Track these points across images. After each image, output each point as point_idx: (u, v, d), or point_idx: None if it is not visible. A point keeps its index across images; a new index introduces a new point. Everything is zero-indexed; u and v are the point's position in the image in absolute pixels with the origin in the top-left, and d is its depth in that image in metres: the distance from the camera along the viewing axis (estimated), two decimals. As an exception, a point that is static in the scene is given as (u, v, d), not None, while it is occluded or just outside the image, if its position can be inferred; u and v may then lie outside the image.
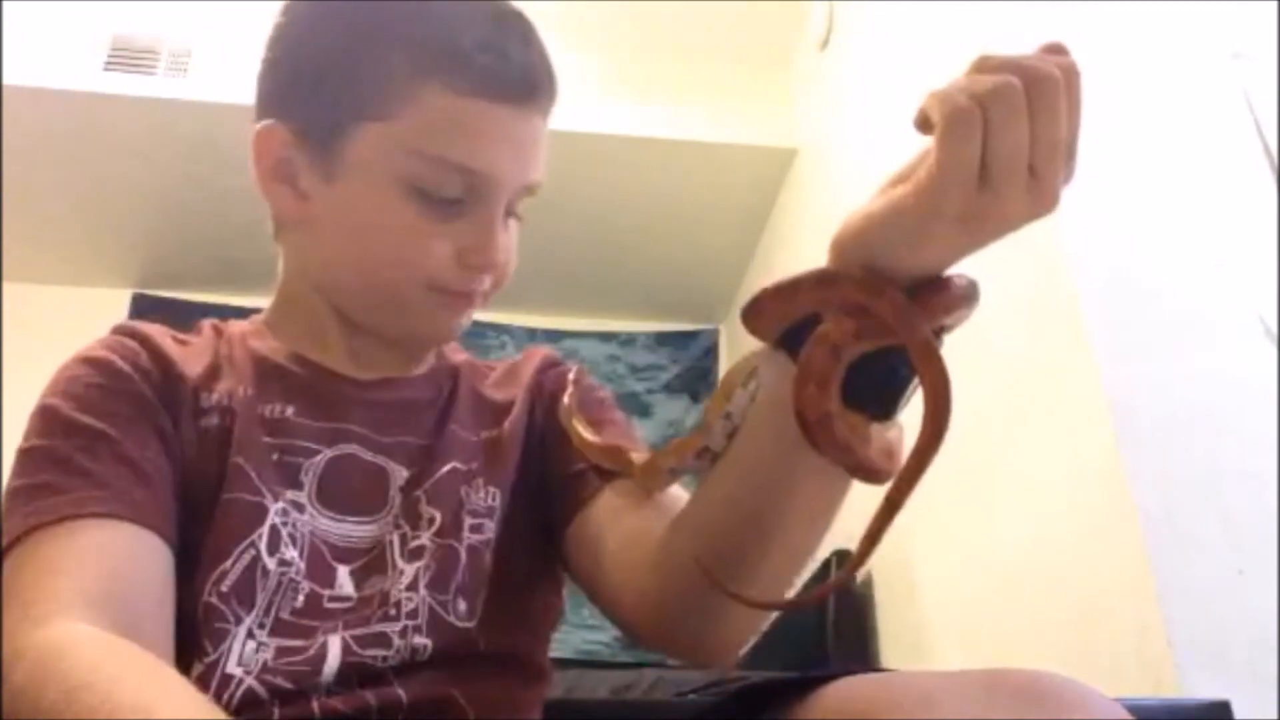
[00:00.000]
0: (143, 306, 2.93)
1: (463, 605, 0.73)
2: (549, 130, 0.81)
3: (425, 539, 0.75)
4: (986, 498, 1.69)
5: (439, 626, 0.72)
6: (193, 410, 0.74)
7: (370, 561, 0.73)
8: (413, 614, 0.71)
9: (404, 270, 0.77)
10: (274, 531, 0.70)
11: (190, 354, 0.78)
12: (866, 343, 0.56)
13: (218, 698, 0.64)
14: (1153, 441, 1.37)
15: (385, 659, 0.69)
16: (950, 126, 0.49)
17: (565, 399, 0.82)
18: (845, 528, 0.66)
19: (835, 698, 0.60)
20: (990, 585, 1.68)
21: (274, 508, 0.71)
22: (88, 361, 0.74)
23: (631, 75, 2.75)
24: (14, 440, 0.71)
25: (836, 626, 2.03)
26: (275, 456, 0.74)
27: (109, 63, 2.57)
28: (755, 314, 0.60)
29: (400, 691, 0.68)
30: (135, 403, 0.72)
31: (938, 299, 0.55)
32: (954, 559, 1.81)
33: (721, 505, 0.68)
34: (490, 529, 0.77)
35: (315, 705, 0.66)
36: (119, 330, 0.78)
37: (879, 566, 2.10)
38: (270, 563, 0.69)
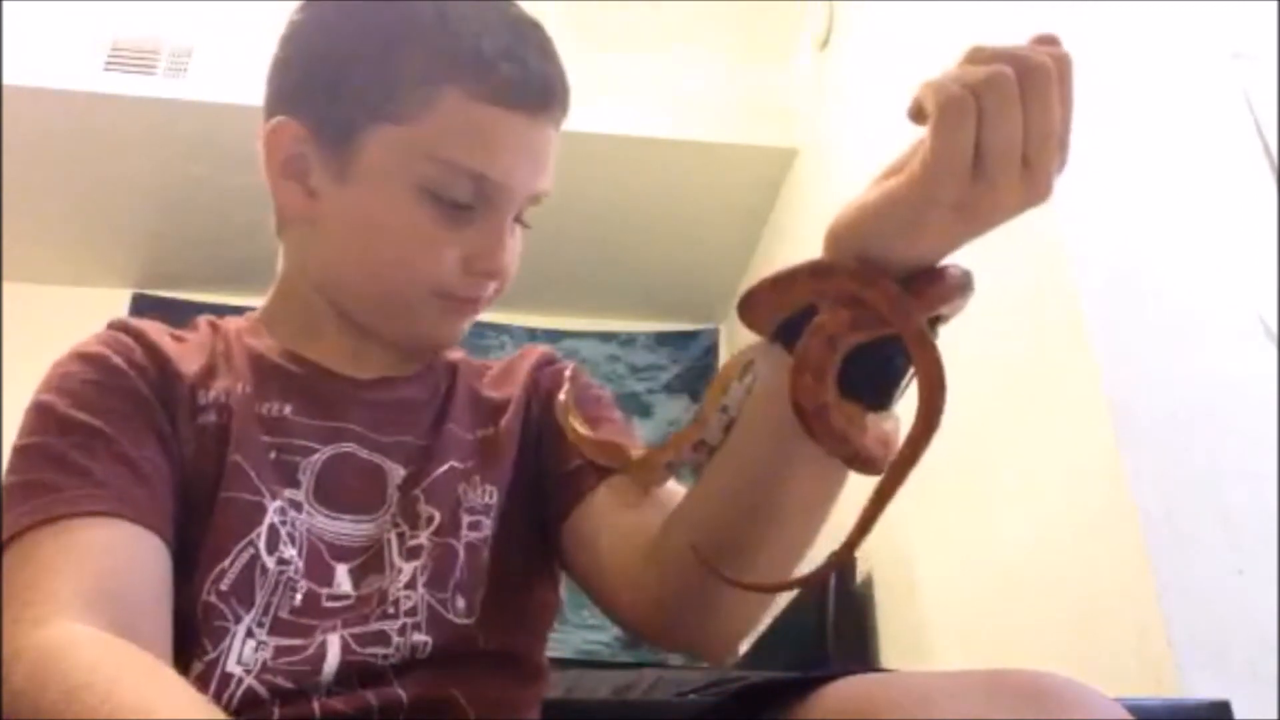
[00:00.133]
0: (143, 306, 2.92)
1: (461, 603, 0.73)
2: (557, 138, 0.81)
3: (423, 538, 0.75)
4: (986, 498, 1.69)
5: (438, 624, 0.72)
6: (190, 408, 0.74)
7: (368, 560, 0.73)
8: (411, 611, 0.71)
9: (410, 273, 0.77)
10: (272, 530, 0.70)
11: (186, 351, 0.78)
12: (862, 333, 0.56)
13: (217, 697, 0.64)
14: (1153, 441, 1.37)
15: (385, 657, 0.69)
16: (944, 116, 0.49)
17: (561, 396, 0.82)
18: (843, 527, 0.66)
19: (835, 698, 0.60)
20: (990, 585, 1.68)
21: (272, 506, 0.71)
22: (83, 358, 0.74)
23: (631, 75, 2.74)
24: (13, 440, 0.70)
25: (836, 626, 2.03)
26: (273, 455, 0.74)
27: (109, 63, 2.57)
28: (751, 306, 0.61)
29: (400, 691, 0.68)
30: (131, 400, 0.72)
31: (933, 289, 0.56)
32: (954, 559, 1.81)
33: (719, 498, 0.68)
34: (488, 526, 0.77)
35: (315, 705, 0.66)
36: (114, 326, 0.78)
37: (879, 566, 2.10)
38: (269, 561, 0.69)
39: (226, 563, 0.68)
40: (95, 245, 2.94)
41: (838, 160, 2.47)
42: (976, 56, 0.50)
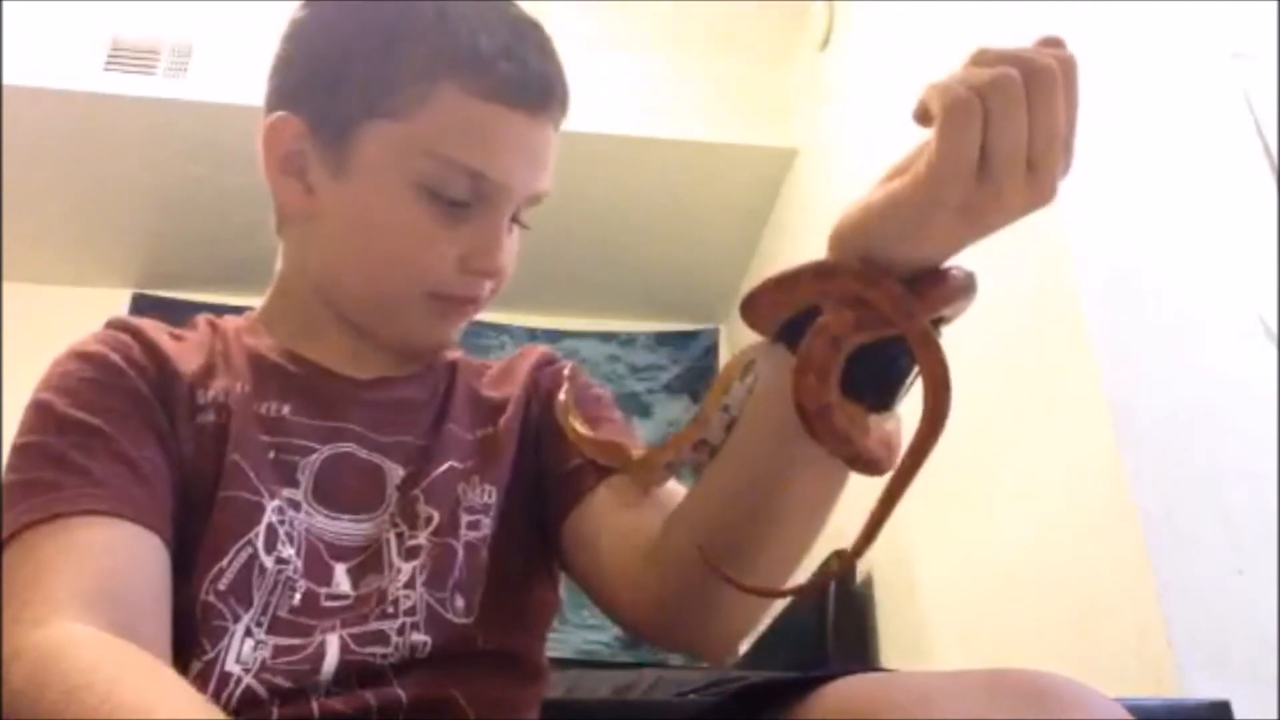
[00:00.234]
0: (142, 306, 2.92)
1: (460, 602, 0.73)
2: (556, 139, 0.81)
3: (422, 538, 0.75)
4: (986, 498, 1.70)
5: (437, 623, 0.72)
6: (188, 407, 0.74)
7: (367, 560, 0.73)
8: (410, 611, 0.71)
9: (406, 271, 0.77)
10: (271, 530, 0.70)
11: (185, 350, 0.78)
12: (866, 334, 0.56)
13: (216, 696, 0.64)
14: (1153, 441, 1.37)
15: (384, 657, 0.69)
16: (949, 118, 0.49)
17: (561, 395, 0.82)
18: (843, 527, 0.66)
19: (835, 698, 0.60)
20: (990, 585, 1.68)
21: (270, 506, 0.71)
22: (82, 356, 0.73)
23: (631, 75, 2.75)
24: (12, 438, 0.70)
25: (836, 626, 2.03)
26: (272, 455, 0.74)
27: (109, 63, 2.57)
28: (754, 306, 0.61)
29: (399, 691, 0.68)
30: (130, 399, 0.72)
31: (936, 290, 0.55)
32: (954, 559, 1.81)
33: (720, 498, 0.68)
34: (487, 526, 0.77)
35: (315, 705, 0.66)
36: (112, 325, 0.77)
37: (879, 566, 2.10)
38: (267, 561, 0.69)
39: (224, 562, 0.68)
40: (95, 245, 2.94)
41: (838, 160, 2.47)
42: (981, 58, 0.50)
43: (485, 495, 0.78)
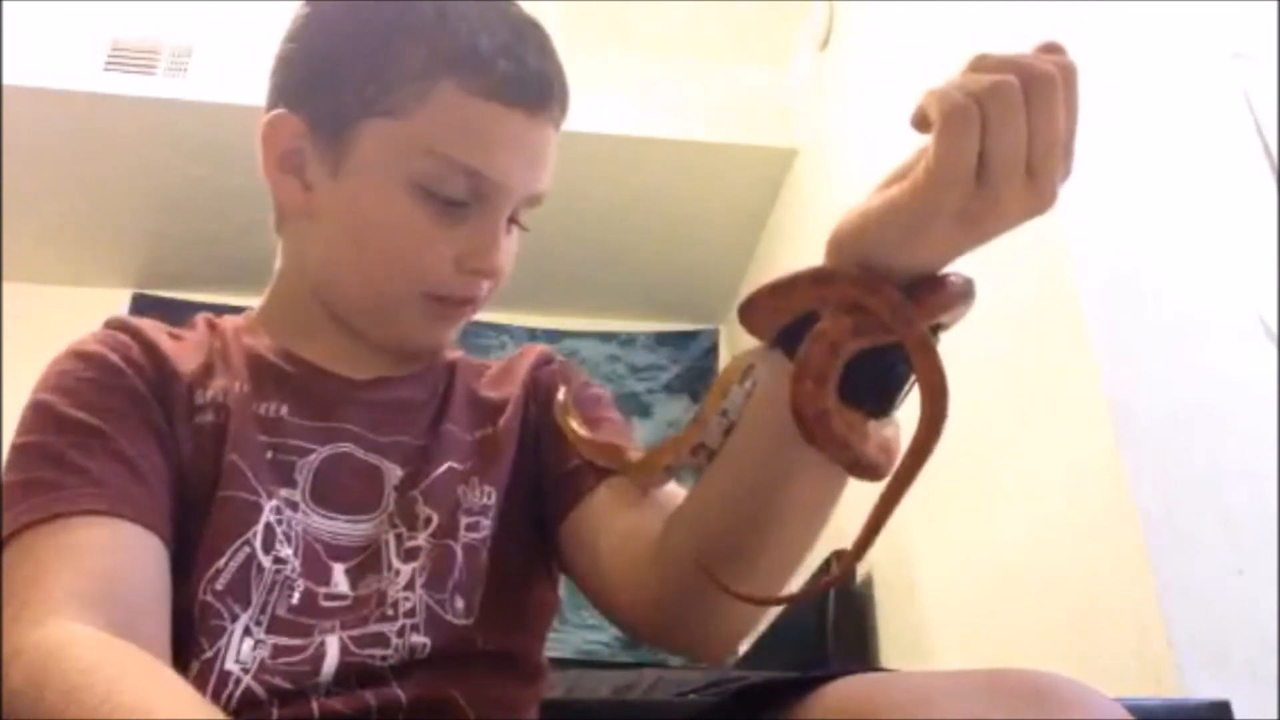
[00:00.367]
0: (142, 306, 2.93)
1: (460, 603, 0.73)
2: (556, 140, 0.81)
3: (421, 539, 0.75)
4: (986, 498, 1.70)
5: (437, 625, 0.72)
6: (187, 407, 0.74)
7: (365, 560, 0.73)
8: (410, 613, 0.71)
9: (401, 271, 0.77)
10: (269, 529, 0.70)
11: (184, 350, 0.78)
12: (864, 340, 0.56)
13: (216, 695, 0.64)
14: (1153, 441, 1.37)
15: (384, 658, 0.69)
16: (948, 124, 0.49)
17: (560, 396, 0.82)
18: (843, 527, 0.66)
19: (835, 698, 0.60)
20: (990, 585, 1.68)
21: (268, 506, 0.71)
22: (80, 356, 0.73)
23: (631, 75, 2.75)
24: (11, 438, 0.70)
25: (836, 626, 2.03)
26: (270, 455, 0.74)
27: (109, 63, 2.57)
28: (751, 312, 0.60)
29: (399, 691, 0.68)
30: (129, 398, 0.72)
31: (934, 297, 0.55)
32: (954, 559, 1.81)
33: (718, 502, 0.68)
34: (486, 527, 0.77)
35: (314, 706, 0.66)
36: (111, 324, 0.77)
37: (879, 566, 2.10)
38: (265, 560, 0.69)
39: (222, 562, 0.68)
40: (95, 245, 2.94)
41: (838, 160, 2.47)
42: (981, 64, 0.50)
43: (484, 497, 0.78)
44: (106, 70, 2.56)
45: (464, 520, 0.76)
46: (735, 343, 3.20)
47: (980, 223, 0.52)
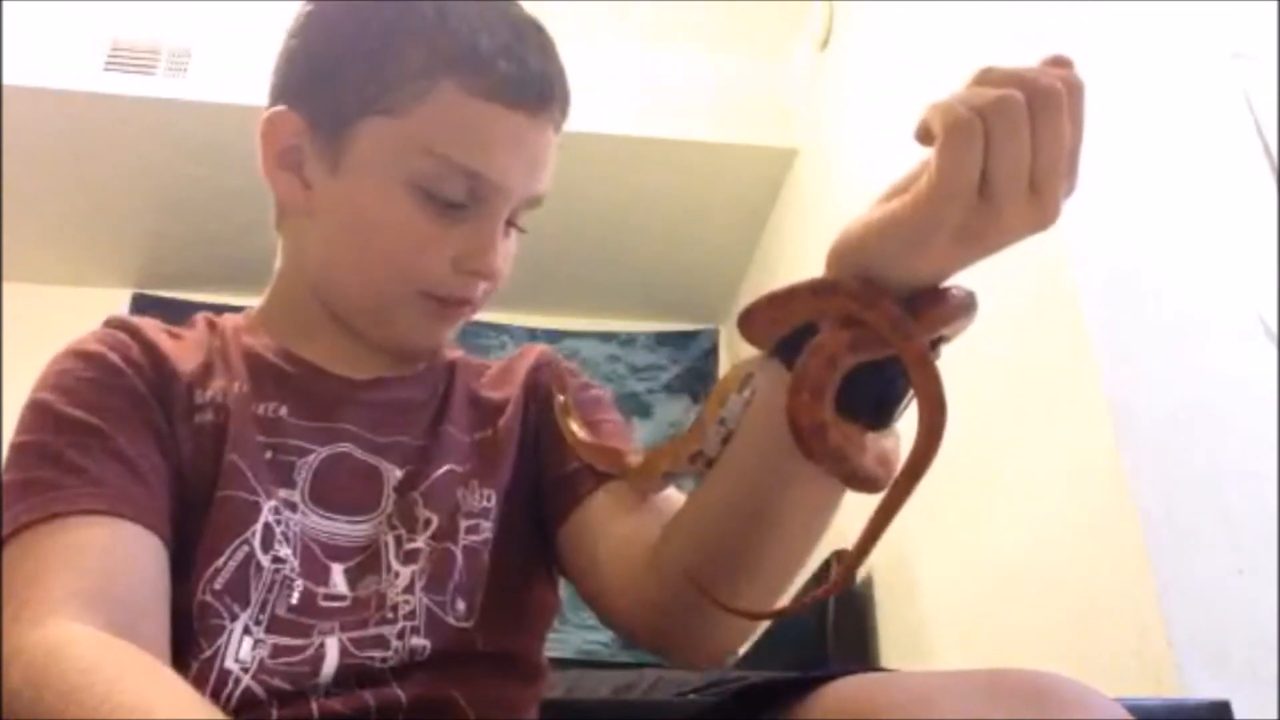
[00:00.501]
0: (142, 306, 2.93)
1: (461, 606, 0.73)
2: (557, 142, 0.80)
3: (421, 542, 0.74)
4: (986, 498, 1.69)
5: (437, 627, 0.71)
6: (186, 406, 0.73)
7: (365, 561, 0.73)
8: (410, 615, 0.71)
9: (398, 271, 0.77)
10: (267, 529, 0.70)
11: (184, 349, 0.78)
12: (862, 354, 0.55)
13: (215, 695, 0.64)
14: (1153, 441, 1.37)
15: (384, 660, 0.69)
16: (951, 139, 0.48)
17: (560, 397, 0.81)
18: (843, 528, 0.66)
19: (835, 698, 0.60)
20: (990, 585, 1.68)
21: (267, 506, 0.71)
22: (80, 355, 0.73)
23: (632, 74, 2.75)
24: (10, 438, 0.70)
25: (836, 626, 2.03)
26: (269, 455, 0.73)
27: (109, 63, 2.57)
28: (750, 322, 0.60)
29: (399, 692, 0.68)
30: (128, 398, 0.72)
31: (935, 311, 0.55)
32: (954, 559, 1.81)
33: (717, 509, 0.68)
34: (487, 529, 0.77)
35: (314, 706, 0.66)
36: (111, 324, 0.77)
37: (879, 567, 2.10)
38: (264, 559, 0.69)
39: (221, 561, 0.68)
40: (95, 245, 2.94)
41: (838, 160, 2.47)
42: (986, 78, 0.50)
43: (484, 500, 0.78)
44: (106, 70, 2.56)
45: (464, 523, 0.76)
46: (735, 343, 3.20)
47: (982, 238, 0.52)
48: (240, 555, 0.69)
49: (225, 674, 0.65)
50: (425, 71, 0.74)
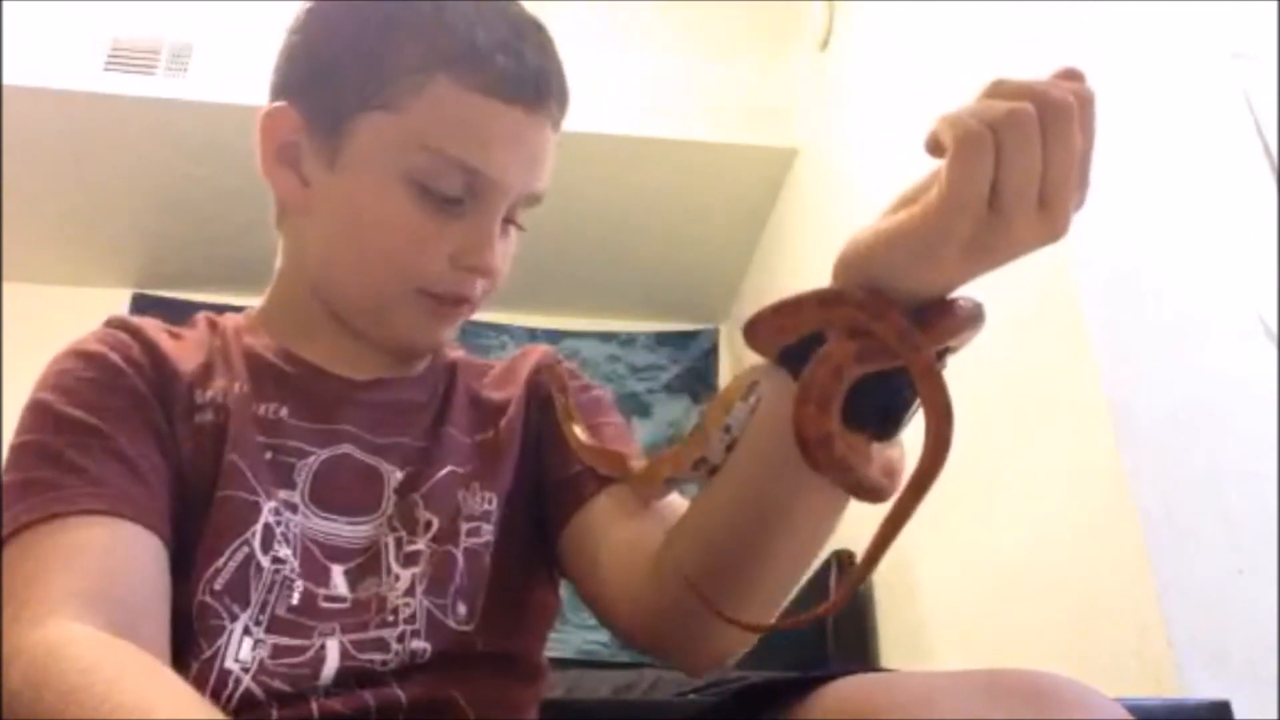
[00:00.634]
0: (142, 306, 2.92)
1: (462, 609, 0.73)
2: (555, 139, 0.80)
3: (421, 544, 0.74)
4: (986, 498, 1.69)
5: (438, 630, 0.71)
6: (187, 406, 0.73)
7: (365, 563, 0.73)
8: (411, 619, 0.71)
9: (396, 268, 0.77)
10: (267, 529, 0.70)
11: (184, 349, 0.78)
12: (869, 365, 0.55)
13: (215, 695, 0.64)
14: (1153, 441, 1.37)
15: (384, 663, 0.69)
16: (962, 151, 0.48)
17: (562, 400, 0.81)
18: (845, 528, 0.66)
19: (835, 698, 0.60)
20: (990, 585, 1.68)
21: (267, 506, 0.71)
22: (80, 355, 0.73)
23: (632, 75, 2.74)
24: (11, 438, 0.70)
25: (836, 626, 2.03)
26: (269, 455, 0.73)
27: (109, 63, 2.57)
28: (756, 331, 0.60)
29: (399, 692, 0.68)
30: (129, 398, 0.71)
31: (943, 322, 0.55)
32: (954, 559, 1.81)
33: (720, 516, 0.67)
34: (488, 532, 0.77)
35: (314, 706, 0.66)
36: (111, 323, 0.77)
37: (879, 567, 2.09)
38: (264, 560, 0.69)
39: (221, 562, 0.68)
40: (95, 245, 2.94)
41: (838, 160, 2.47)
42: (997, 90, 0.49)
43: (485, 502, 0.78)
44: (106, 70, 2.56)
45: (465, 526, 0.76)
46: (735, 343, 3.20)
47: (991, 250, 0.51)
48: (240, 556, 0.69)
49: (225, 674, 0.65)
50: (422, 66, 0.74)
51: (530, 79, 0.76)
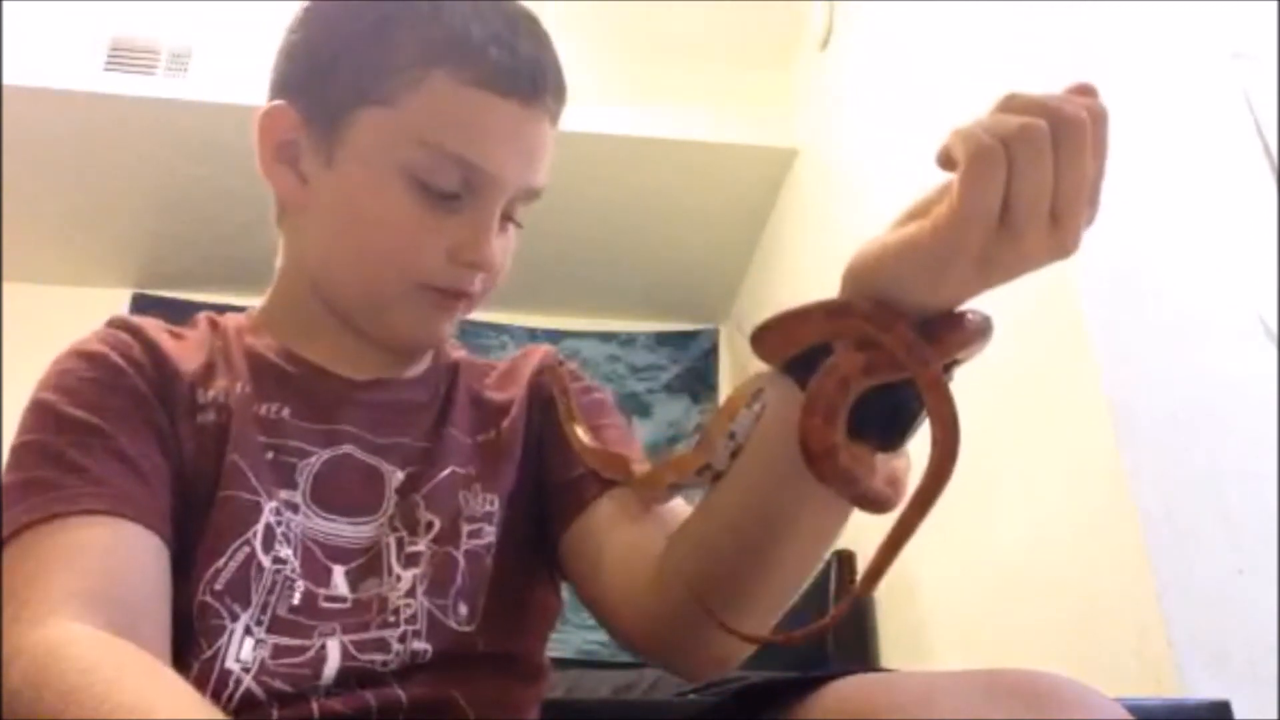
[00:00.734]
0: (142, 306, 2.93)
1: (464, 610, 0.73)
2: (554, 134, 0.80)
3: (422, 545, 0.74)
4: (986, 498, 1.69)
5: (439, 631, 0.71)
6: (188, 406, 0.73)
7: (366, 563, 0.73)
8: (412, 619, 0.71)
9: (393, 262, 0.77)
10: (268, 530, 0.70)
11: (186, 349, 0.78)
12: (876, 377, 0.55)
13: (216, 695, 0.64)
14: (1153, 441, 1.37)
15: (385, 664, 0.69)
16: (974, 166, 0.48)
17: (564, 401, 0.81)
18: (847, 528, 0.66)
19: (835, 698, 0.60)
20: (990, 585, 1.68)
21: (268, 506, 0.71)
22: (82, 355, 0.73)
23: (632, 75, 2.75)
24: (12, 438, 0.70)
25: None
26: (270, 455, 0.73)
27: (109, 63, 2.57)
28: (763, 340, 0.59)
29: (400, 692, 0.68)
30: (130, 398, 0.71)
31: (951, 336, 0.54)
32: (954, 559, 1.81)
33: (722, 523, 0.67)
34: (490, 534, 0.77)
35: (314, 706, 0.66)
36: (113, 324, 0.77)
37: (879, 568, 2.09)
38: (265, 560, 0.69)
39: (222, 562, 0.68)
40: (95, 245, 2.94)
41: (838, 160, 2.47)
42: (1010, 105, 0.49)
43: (487, 504, 0.78)
44: (106, 70, 2.56)
45: (466, 528, 0.76)
46: (735, 343, 3.20)
47: (1001, 265, 0.51)
48: (241, 556, 0.69)
49: (226, 674, 0.65)
50: (418, 60, 0.74)
51: (525, 71, 0.76)
